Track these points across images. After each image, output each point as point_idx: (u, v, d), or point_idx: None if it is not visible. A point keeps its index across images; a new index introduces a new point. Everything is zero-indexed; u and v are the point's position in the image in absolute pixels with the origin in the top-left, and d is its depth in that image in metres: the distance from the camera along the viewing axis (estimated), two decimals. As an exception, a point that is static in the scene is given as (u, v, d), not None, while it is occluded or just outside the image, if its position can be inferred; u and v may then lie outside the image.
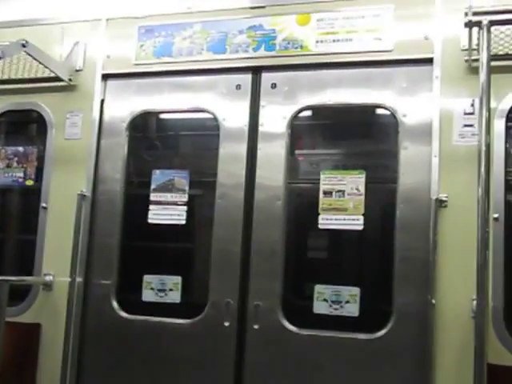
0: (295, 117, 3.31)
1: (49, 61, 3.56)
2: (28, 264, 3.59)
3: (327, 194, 3.18)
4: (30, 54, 3.43)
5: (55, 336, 3.43)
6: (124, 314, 3.42)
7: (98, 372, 3.43)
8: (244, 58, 3.39)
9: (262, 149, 3.31)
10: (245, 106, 3.38)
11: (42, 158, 3.71)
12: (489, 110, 2.63)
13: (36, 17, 3.80)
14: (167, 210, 3.47)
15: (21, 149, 3.84)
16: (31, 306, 3.53)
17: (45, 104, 3.72)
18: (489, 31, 2.67)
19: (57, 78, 3.63)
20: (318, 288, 3.13)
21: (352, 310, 3.07)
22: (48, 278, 3.50)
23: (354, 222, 3.12)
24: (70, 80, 3.66)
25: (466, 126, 2.96)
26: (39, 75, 3.68)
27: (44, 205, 3.60)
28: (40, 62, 3.53)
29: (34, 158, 3.80)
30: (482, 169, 2.57)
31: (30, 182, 3.78)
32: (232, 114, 3.40)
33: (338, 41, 3.24)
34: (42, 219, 3.60)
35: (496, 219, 2.81)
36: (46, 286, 3.50)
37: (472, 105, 2.96)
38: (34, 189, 3.71)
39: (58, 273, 3.50)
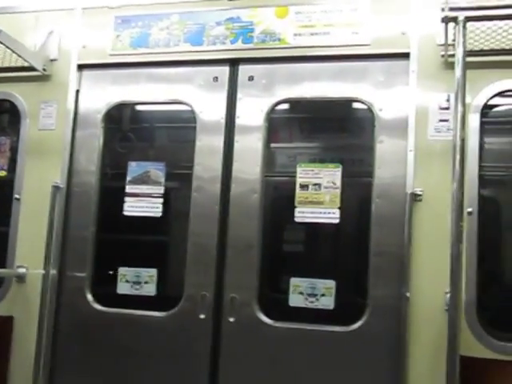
0: (272, 110, 3.31)
1: (22, 50, 3.50)
2: (1, 256, 3.54)
3: (304, 187, 3.19)
4: (2, 43, 3.36)
5: (28, 329, 3.39)
6: (98, 307, 3.39)
7: (72, 365, 3.41)
8: (221, 50, 3.37)
9: (239, 141, 3.30)
10: (222, 98, 3.37)
11: (16, 148, 3.66)
12: (464, 105, 2.65)
13: (9, 4, 3.73)
14: (143, 203, 3.44)
15: (-7, 139, 3.78)
16: (4, 298, 3.48)
17: (18, 94, 3.66)
18: (464, 27, 2.70)
19: (31, 68, 3.57)
20: (294, 281, 3.14)
21: (327, 302, 3.09)
22: (21, 271, 3.46)
23: (330, 215, 3.14)
24: (45, 70, 3.60)
25: (441, 120, 2.99)
26: (12, 64, 3.61)
27: (17, 196, 3.55)
28: (13, 51, 3.46)
29: (6, 148, 3.74)
30: (457, 163, 2.59)
31: (2, 173, 3.72)
32: (209, 107, 3.38)
33: (316, 34, 3.24)
34: (15, 211, 3.55)
35: (470, 213, 2.84)
36: (19, 279, 3.46)
37: (447, 100, 2.99)
38: (7, 180, 3.66)
39: (31, 265, 3.46)
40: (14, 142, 3.70)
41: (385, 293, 2.97)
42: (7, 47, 3.42)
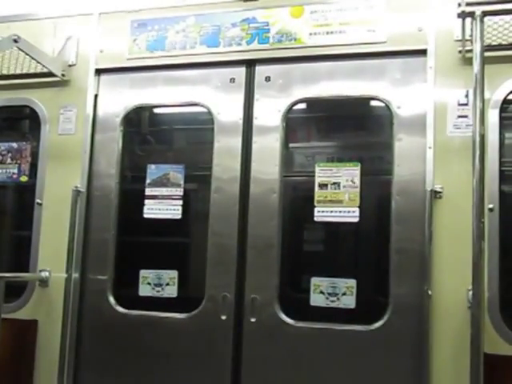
0: (290, 110, 3.31)
1: (41, 56, 3.54)
2: (24, 260, 3.58)
3: (322, 186, 3.18)
4: (22, 50, 3.41)
5: (52, 332, 3.43)
6: (121, 309, 3.42)
7: (96, 367, 3.43)
8: (238, 51, 3.38)
9: (257, 142, 3.30)
10: (239, 99, 3.38)
11: (36, 153, 3.70)
12: (483, 100, 2.63)
13: (28, 12, 3.78)
14: (163, 205, 3.46)
15: (14, 145, 3.82)
16: (28, 302, 3.53)
17: (38, 99, 3.70)
18: (482, 22, 2.66)
19: (50, 74, 3.61)
20: (315, 280, 3.14)
21: (348, 301, 3.08)
22: (44, 274, 3.49)
23: (350, 214, 3.13)
24: (63, 75, 3.64)
25: (460, 116, 2.97)
26: (32, 71, 3.65)
27: (39, 201, 3.59)
28: (32, 58, 3.51)
29: (27, 153, 3.78)
30: (477, 159, 2.57)
31: (24, 178, 3.77)
32: (226, 108, 3.39)
33: (332, 33, 3.23)
34: (37, 215, 3.59)
35: (491, 209, 2.82)
36: (42, 282, 3.50)
37: (466, 96, 2.97)
38: (29, 185, 3.70)
39: (54, 269, 3.49)
40: (35, 147, 3.74)
41: (406, 291, 2.95)
42: (26, 54, 3.46)
